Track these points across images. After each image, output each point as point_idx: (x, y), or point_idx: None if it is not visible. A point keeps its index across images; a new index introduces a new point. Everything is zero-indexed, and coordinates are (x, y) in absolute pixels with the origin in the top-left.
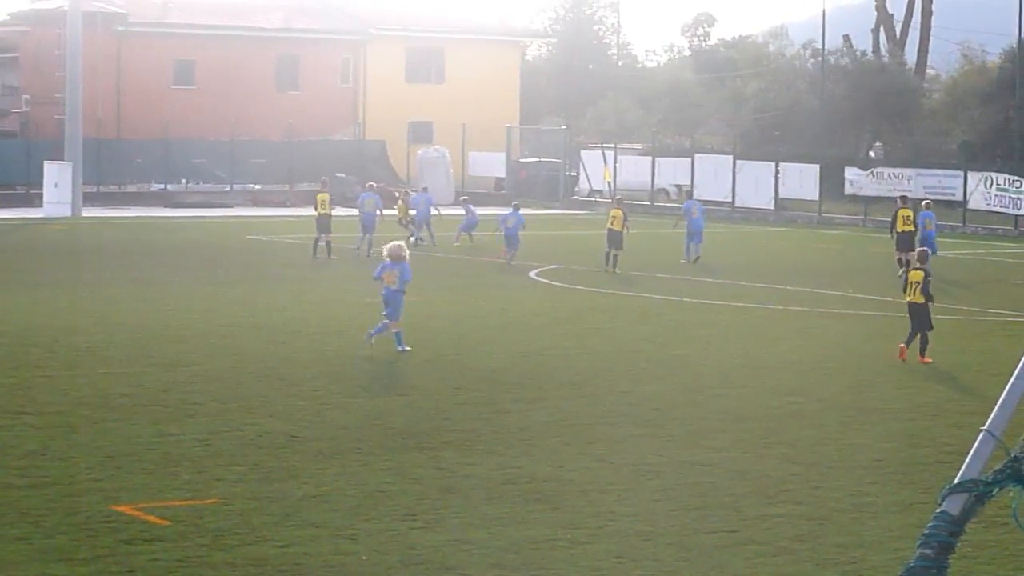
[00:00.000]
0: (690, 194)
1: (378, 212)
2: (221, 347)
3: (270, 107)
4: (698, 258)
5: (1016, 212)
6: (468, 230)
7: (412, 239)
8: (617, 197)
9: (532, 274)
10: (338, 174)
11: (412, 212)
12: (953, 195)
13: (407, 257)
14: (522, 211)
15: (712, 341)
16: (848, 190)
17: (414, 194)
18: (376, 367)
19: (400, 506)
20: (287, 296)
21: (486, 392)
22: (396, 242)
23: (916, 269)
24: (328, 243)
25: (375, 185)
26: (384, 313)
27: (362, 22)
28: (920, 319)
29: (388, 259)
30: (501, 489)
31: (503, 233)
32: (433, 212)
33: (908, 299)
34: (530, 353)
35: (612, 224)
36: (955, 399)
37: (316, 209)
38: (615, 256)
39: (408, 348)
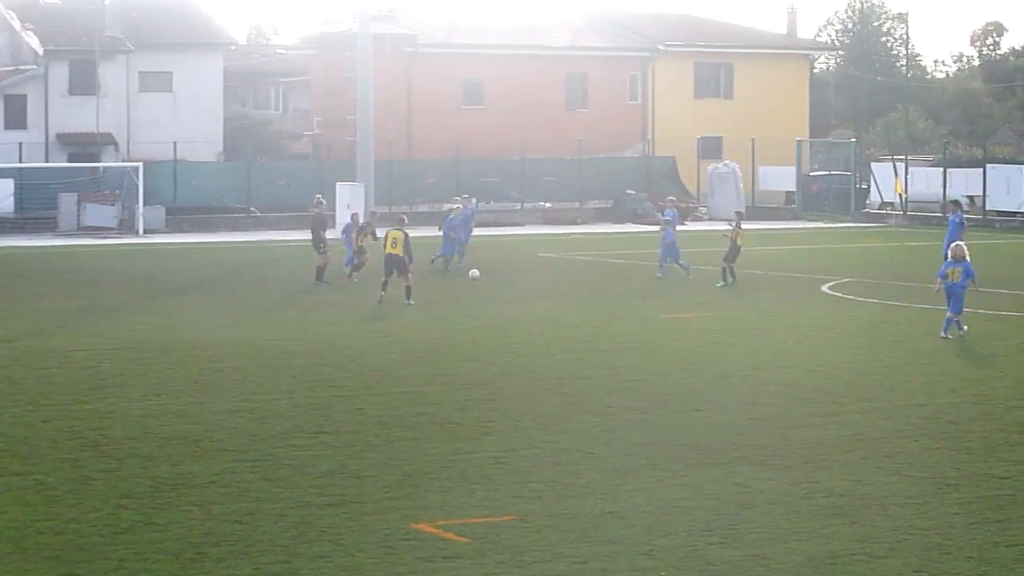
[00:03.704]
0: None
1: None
2: (515, 365)
3: (559, 125)
4: None
5: None
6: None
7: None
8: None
9: (825, 288)
10: (628, 191)
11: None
12: None
13: (968, 256)
14: (802, 224)
15: (1007, 353)
16: None
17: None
18: (669, 383)
19: (697, 522)
20: (579, 313)
21: (780, 406)
22: (959, 242)
23: None
24: (407, 288)
25: (674, 200)
26: (948, 307)
27: (649, 38)
28: None
29: (952, 258)
30: (798, 504)
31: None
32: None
33: None
34: (823, 367)
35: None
36: None
37: (385, 248)
38: None
39: (966, 328)
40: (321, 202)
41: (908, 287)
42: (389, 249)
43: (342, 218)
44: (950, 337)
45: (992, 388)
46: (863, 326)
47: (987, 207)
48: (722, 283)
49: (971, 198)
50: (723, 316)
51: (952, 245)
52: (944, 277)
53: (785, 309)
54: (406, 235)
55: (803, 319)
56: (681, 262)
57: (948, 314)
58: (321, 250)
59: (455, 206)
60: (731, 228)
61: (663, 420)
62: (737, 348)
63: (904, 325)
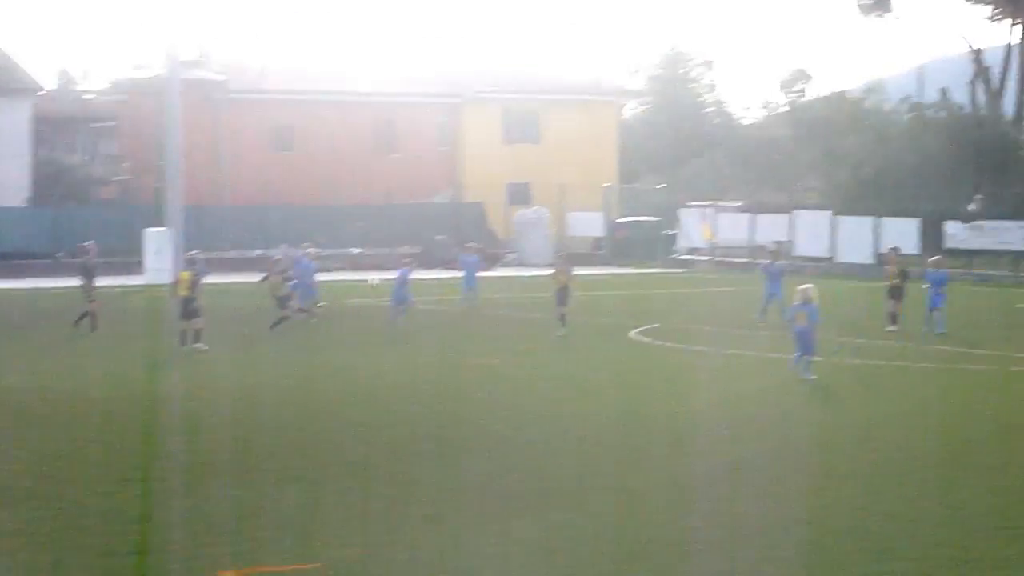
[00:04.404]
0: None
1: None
2: (321, 412)
3: (368, 171)
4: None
5: None
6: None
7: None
8: None
9: (632, 333)
10: (437, 236)
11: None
12: None
13: (815, 300)
14: (610, 270)
15: (815, 398)
16: (949, 244)
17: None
18: (473, 430)
19: (501, 569)
20: (386, 360)
21: (586, 453)
22: (807, 285)
23: None
24: (196, 331)
25: (473, 246)
26: (797, 348)
27: (457, 85)
28: None
29: (799, 301)
30: (604, 547)
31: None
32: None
33: None
34: (629, 412)
35: None
36: None
37: (177, 291)
38: None
39: (814, 376)
40: (88, 249)
41: (714, 332)
42: (180, 291)
43: (149, 263)
44: (813, 377)
45: (794, 431)
46: (669, 371)
47: (796, 252)
48: (563, 331)
49: (779, 243)
50: (530, 362)
51: (801, 288)
52: (791, 320)
53: (591, 355)
54: (194, 276)
55: (609, 365)
56: (401, 308)
57: (798, 355)
58: (89, 298)
59: (308, 250)
60: (559, 271)
61: (469, 467)
62: (542, 393)
63: (709, 371)
